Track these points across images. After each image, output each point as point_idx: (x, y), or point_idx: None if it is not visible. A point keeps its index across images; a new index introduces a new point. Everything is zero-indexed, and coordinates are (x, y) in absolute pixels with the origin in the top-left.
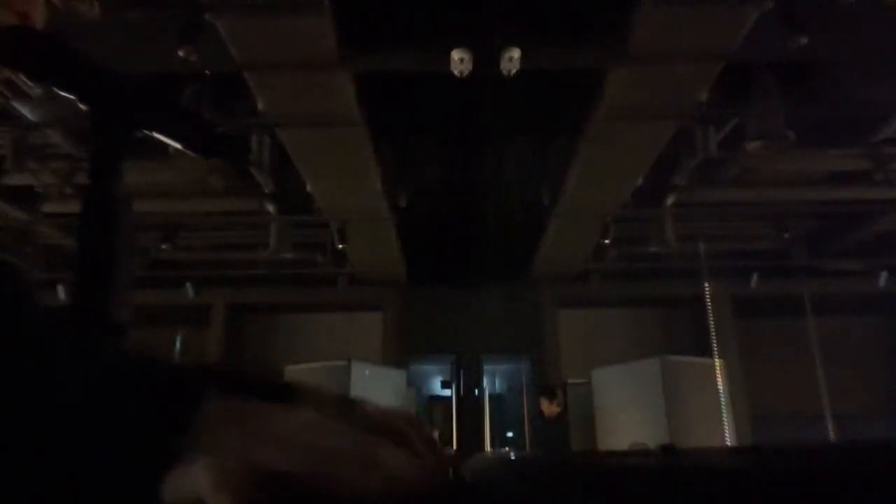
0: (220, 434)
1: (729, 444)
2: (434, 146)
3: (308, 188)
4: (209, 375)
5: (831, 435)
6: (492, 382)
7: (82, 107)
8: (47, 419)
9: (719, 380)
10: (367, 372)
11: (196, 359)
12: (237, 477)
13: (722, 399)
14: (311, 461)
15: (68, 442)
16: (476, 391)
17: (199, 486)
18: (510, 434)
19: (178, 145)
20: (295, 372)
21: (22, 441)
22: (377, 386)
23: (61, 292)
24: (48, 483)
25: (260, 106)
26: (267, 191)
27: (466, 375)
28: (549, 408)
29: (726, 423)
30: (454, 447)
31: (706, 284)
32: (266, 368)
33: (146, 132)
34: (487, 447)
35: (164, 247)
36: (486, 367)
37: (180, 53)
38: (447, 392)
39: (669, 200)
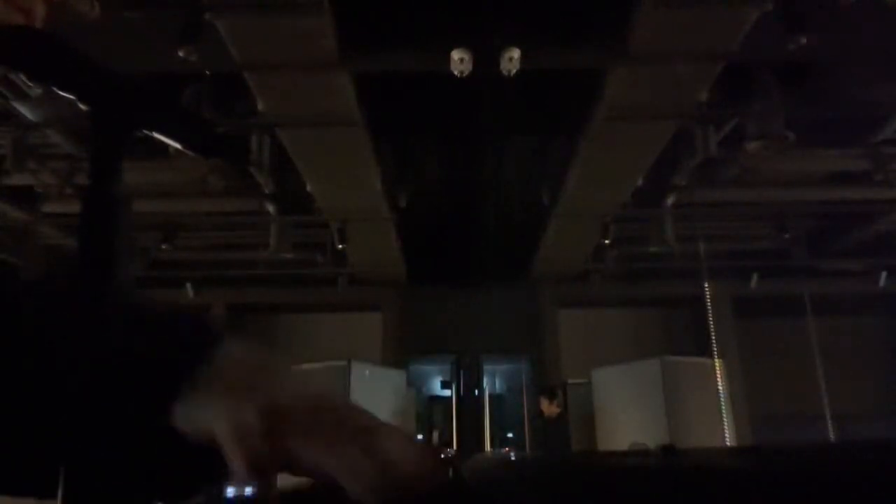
0: (236, 376)
1: (729, 444)
2: (434, 146)
3: (308, 188)
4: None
5: (831, 435)
6: (492, 382)
7: (82, 107)
8: (49, 418)
9: (719, 380)
10: (367, 372)
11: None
12: (252, 431)
13: (722, 399)
14: (319, 409)
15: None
16: (476, 391)
17: (216, 431)
18: (510, 434)
19: (178, 145)
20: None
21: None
22: (377, 386)
23: None
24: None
25: (260, 106)
26: (267, 191)
27: (466, 375)
28: (549, 408)
29: (726, 423)
30: (454, 447)
31: (706, 284)
32: None
33: (146, 132)
34: (487, 447)
35: (164, 247)
36: (486, 367)
37: (180, 53)
38: (447, 392)
39: (669, 200)
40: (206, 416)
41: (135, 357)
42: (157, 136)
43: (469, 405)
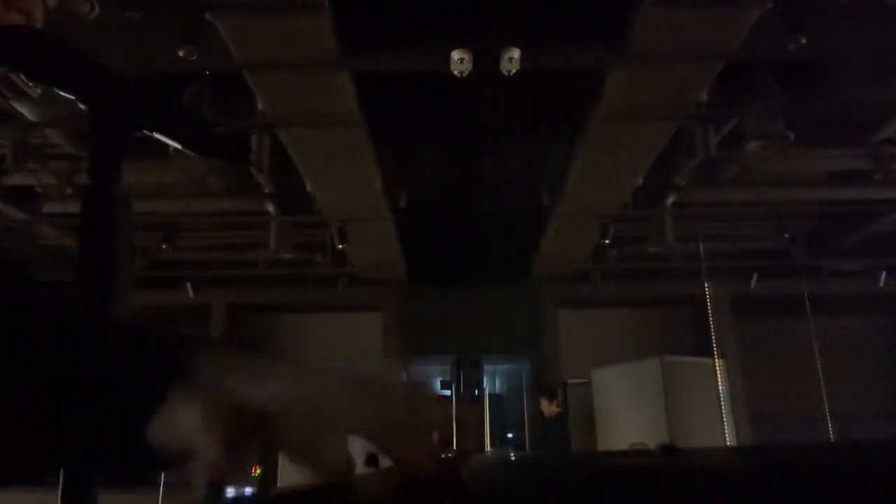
0: (209, 376)
1: (729, 444)
2: (434, 146)
3: (308, 188)
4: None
5: (831, 435)
6: (492, 382)
7: (82, 107)
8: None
9: (719, 380)
10: None
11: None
12: (221, 416)
13: (722, 399)
14: (299, 400)
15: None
16: (476, 391)
17: (185, 427)
18: (510, 434)
19: (178, 145)
20: None
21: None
22: None
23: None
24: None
25: (260, 106)
26: (267, 191)
27: (466, 375)
28: (549, 408)
29: (726, 423)
30: (454, 447)
31: (706, 284)
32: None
33: (146, 132)
34: (487, 447)
35: (164, 247)
36: (486, 367)
37: (180, 53)
38: (447, 392)
39: (669, 200)
40: (176, 426)
41: (117, 373)
42: (157, 136)
43: (469, 405)
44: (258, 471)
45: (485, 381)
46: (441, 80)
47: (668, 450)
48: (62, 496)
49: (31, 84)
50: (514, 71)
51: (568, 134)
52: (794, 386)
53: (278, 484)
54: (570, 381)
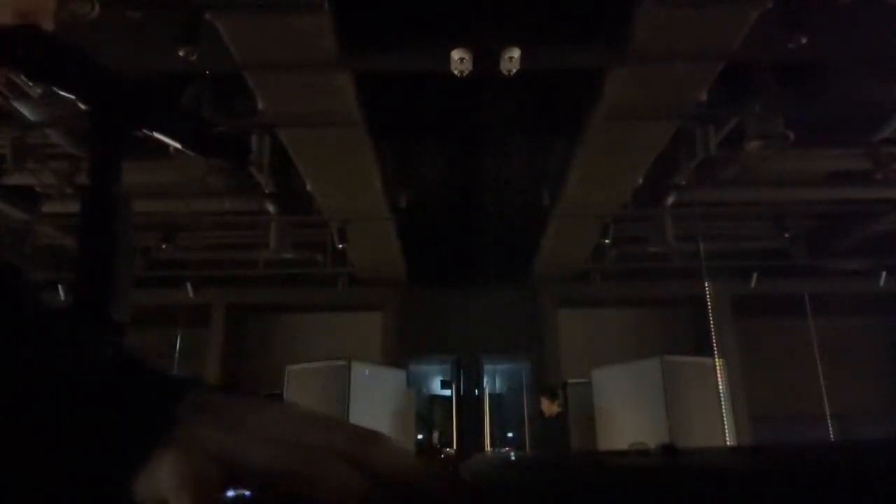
0: (193, 428)
1: (729, 444)
2: (434, 146)
3: (308, 188)
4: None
5: (831, 435)
6: (492, 382)
7: (82, 107)
8: (35, 419)
9: (719, 380)
10: (367, 372)
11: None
12: (202, 476)
13: (722, 399)
14: (289, 456)
15: (49, 437)
16: (476, 391)
17: (163, 485)
18: (510, 434)
19: (178, 145)
20: (295, 372)
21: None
22: (377, 386)
23: (61, 292)
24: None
25: (260, 106)
26: (267, 191)
27: (466, 375)
28: (549, 408)
29: (726, 423)
30: (454, 447)
31: (706, 284)
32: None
33: (146, 132)
34: (487, 447)
35: (164, 247)
36: (486, 367)
37: (180, 53)
38: (447, 392)
39: (669, 200)
40: (157, 483)
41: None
42: (157, 136)
43: (469, 405)
44: None
45: (485, 381)
46: (441, 80)
47: (668, 450)
48: None
49: (31, 84)
50: (514, 71)
51: (568, 134)
52: (794, 386)
53: None
54: (570, 380)
